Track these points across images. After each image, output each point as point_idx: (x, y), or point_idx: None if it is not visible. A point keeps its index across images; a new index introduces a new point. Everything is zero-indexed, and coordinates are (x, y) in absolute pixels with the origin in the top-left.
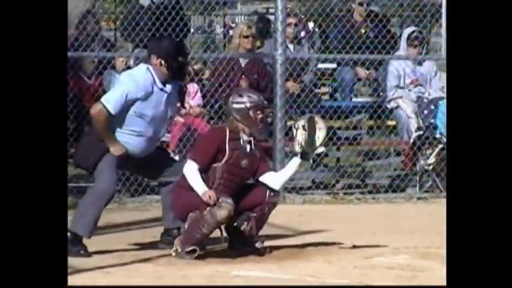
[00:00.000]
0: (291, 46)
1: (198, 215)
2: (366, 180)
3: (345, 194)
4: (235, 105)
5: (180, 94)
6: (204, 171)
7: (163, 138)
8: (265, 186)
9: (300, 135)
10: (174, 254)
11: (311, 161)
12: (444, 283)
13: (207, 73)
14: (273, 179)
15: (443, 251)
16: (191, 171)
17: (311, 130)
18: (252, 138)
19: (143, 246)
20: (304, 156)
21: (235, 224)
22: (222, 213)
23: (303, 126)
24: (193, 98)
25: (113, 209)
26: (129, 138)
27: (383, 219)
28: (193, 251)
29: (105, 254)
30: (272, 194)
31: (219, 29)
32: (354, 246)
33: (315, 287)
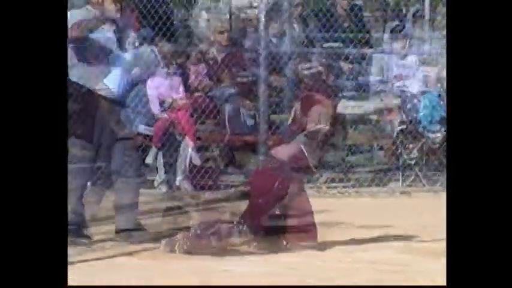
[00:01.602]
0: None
1: (215, 222)
2: (348, 174)
3: (328, 187)
4: (306, 72)
5: None
6: None
7: (146, 132)
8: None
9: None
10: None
11: None
12: (429, 276)
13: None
14: None
15: (427, 245)
16: None
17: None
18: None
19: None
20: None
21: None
22: (234, 238)
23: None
24: (177, 91)
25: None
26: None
27: (366, 213)
28: (172, 250)
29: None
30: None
31: (203, 23)
32: (337, 241)
33: (312, 287)
